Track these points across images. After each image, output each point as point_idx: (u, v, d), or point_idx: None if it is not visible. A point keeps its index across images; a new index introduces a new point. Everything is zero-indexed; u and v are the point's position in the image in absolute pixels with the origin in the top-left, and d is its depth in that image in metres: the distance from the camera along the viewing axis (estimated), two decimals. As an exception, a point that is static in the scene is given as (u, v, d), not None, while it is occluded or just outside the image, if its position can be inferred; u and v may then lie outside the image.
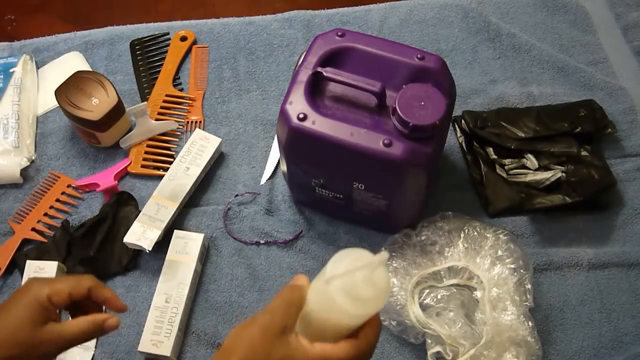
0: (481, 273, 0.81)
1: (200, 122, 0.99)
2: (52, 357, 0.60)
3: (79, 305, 0.63)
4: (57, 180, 0.93)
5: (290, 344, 0.52)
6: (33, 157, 0.95)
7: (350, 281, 0.49)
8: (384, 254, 0.49)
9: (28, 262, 0.84)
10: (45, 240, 0.88)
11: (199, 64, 1.04)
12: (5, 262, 0.86)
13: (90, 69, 1.02)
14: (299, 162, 0.80)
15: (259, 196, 0.92)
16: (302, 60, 0.78)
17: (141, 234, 0.85)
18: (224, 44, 1.06)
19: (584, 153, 0.90)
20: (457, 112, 0.92)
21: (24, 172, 0.94)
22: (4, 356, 0.56)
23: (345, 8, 1.10)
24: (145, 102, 0.96)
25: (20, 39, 1.09)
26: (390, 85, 0.75)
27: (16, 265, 0.87)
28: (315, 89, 0.76)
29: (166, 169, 0.92)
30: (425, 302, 0.81)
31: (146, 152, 0.95)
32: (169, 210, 0.87)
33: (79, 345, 0.80)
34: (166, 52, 1.05)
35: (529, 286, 0.79)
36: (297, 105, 0.74)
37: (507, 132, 0.92)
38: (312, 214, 0.90)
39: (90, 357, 0.81)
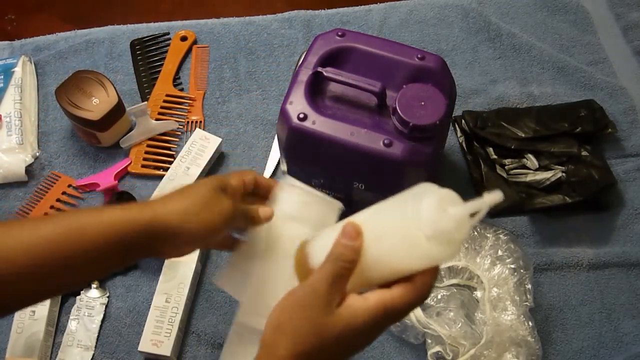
0: (481, 273, 0.81)
1: (201, 122, 0.99)
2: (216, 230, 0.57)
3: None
4: (57, 180, 0.93)
5: (343, 313, 0.47)
6: (37, 154, 0.95)
7: (445, 223, 0.44)
8: (498, 193, 0.43)
9: (28, 261, 0.84)
10: (45, 240, 0.88)
11: (199, 63, 1.04)
12: (5, 262, 0.86)
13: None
14: (299, 162, 0.80)
15: (259, 196, 0.92)
16: (302, 60, 0.78)
17: (141, 233, 0.84)
18: (224, 44, 1.06)
19: (584, 153, 0.90)
20: (457, 112, 0.92)
21: (28, 169, 0.94)
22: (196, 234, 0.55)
23: (346, 8, 1.10)
24: (146, 102, 0.96)
25: (21, 38, 1.09)
26: (390, 85, 0.75)
27: (16, 265, 0.87)
28: (316, 89, 0.76)
29: (166, 169, 0.92)
30: (425, 302, 0.81)
31: (146, 152, 0.95)
32: (169, 210, 0.87)
33: (78, 345, 0.81)
34: (166, 52, 1.05)
35: (529, 286, 0.79)
36: (298, 105, 0.74)
37: (507, 132, 0.92)
38: (312, 213, 0.90)
39: (90, 357, 0.81)
